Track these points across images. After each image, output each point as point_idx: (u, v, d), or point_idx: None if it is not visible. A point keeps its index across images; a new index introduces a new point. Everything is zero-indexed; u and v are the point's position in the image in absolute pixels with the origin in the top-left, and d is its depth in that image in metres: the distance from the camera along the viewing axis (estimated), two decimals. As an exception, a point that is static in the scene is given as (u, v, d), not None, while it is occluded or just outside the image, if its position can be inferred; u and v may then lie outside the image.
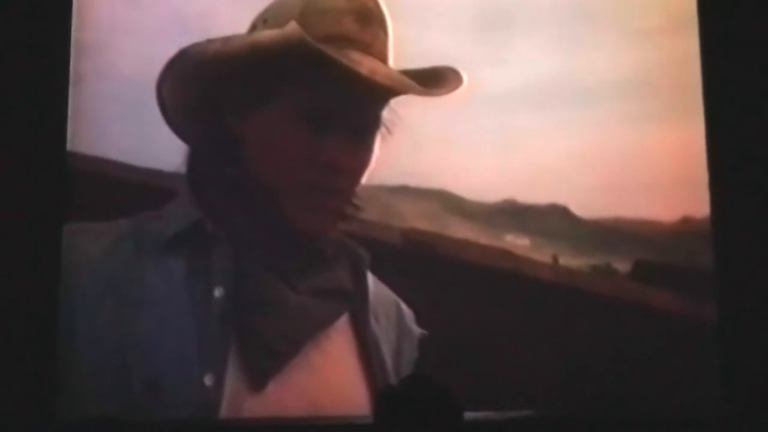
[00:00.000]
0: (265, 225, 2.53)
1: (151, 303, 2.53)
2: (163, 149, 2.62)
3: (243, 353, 2.48)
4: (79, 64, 2.80)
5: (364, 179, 2.60)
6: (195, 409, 2.48)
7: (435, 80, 2.56)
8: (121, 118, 2.73)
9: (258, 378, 2.48)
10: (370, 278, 2.62)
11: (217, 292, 2.50)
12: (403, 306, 2.65)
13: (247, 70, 2.48)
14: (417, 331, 2.66)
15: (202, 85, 2.51)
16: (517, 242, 2.80)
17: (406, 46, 2.63)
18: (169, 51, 2.56)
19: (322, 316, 2.53)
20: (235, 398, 2.48)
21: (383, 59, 2.54)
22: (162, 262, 2.53)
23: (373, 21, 2.51)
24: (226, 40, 2.50)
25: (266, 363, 2.49)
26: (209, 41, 2.51)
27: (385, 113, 2.56)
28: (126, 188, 2.70)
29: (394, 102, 2.57)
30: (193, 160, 2.56)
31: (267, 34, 2.47)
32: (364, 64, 2.44)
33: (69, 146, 2.75)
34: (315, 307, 2.51)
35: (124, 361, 2.53)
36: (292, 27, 2.41)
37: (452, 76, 2.58)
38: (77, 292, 2.60)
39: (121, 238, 2.57)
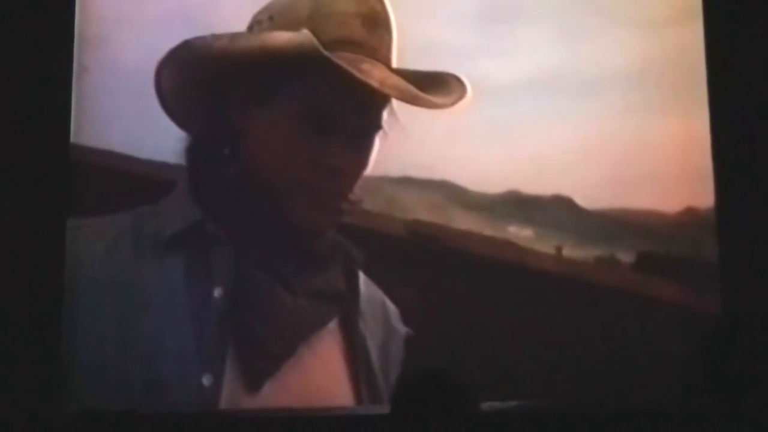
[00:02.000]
0: (263, 224, 2.53)
1: (151, 303, 2.54)
2: (166, 141, 2.61)
3: (240, 354, 2.49)
4: (82, 57, 2.79)
5: (368, 170, 2.60)
6: (193, 409, 2.49)
7: (439, 86, 2.56)
8: (124, 110, 2.73)
9: (254, 378, 2.50)
10: (362, 278, 2.62)
11: (217, 293, 2.50)
12: (389, 305, 2.66)
13: (252, 68, 2.48)
14: (403, 330, 2.66)
15: (205, 78, 2.51)
16: (521, 233, 2.79)
17: (410, 38, 2.63)
18: (172, 43, 2.57)
19: (316, 318, 2.55)
20: (232, 398, 2.49)
21: (388, 62, 2.55)
22: (161, 261, 2.53)
23: (380, 25, 2.52)
24: (233, 37, 2.50)
25: (263, 364, 2.50)
26: (215, 36, 2.50)
27: (386, 114, 2.56)
28: (129, 180, 2.70)
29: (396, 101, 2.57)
30: (192, 154, 2.55)
31: (279, 39, 2.47)
32: (373, 74, 2.45)
33: (73, 139, 2.75)
34: (310, 309, 2.53)
35: (125, 361, 2.54)
36: (306, 36, 2.42)
37: (456, 85, 2.58)
38: (79, 291, 2.62)
39: (121, 237, 2.57)
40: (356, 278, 2.61)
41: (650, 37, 2.86)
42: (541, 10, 2.86)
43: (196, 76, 2.51)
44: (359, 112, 2.51)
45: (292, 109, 2.50)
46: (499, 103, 2.77)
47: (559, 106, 2.80)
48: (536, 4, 2.86)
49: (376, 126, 2.54)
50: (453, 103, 2.54)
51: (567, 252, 2.80)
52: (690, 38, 2.88)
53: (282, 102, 2.50)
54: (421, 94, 2.49)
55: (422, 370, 2.02)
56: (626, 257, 2.82)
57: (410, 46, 2.63)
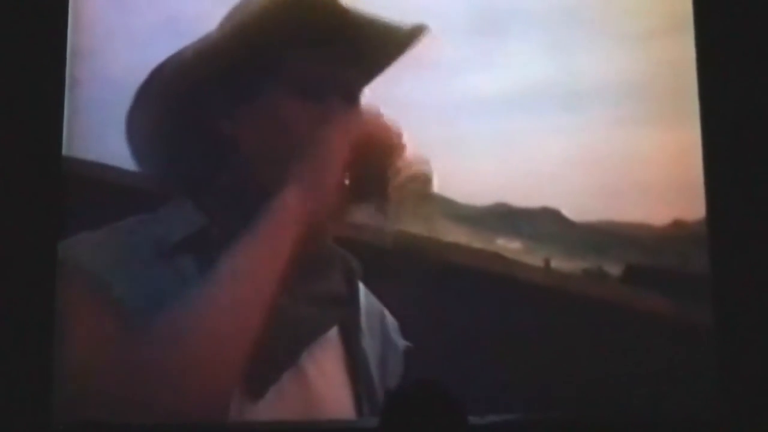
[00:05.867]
0: None
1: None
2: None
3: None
4: (74, 68, 2.80)
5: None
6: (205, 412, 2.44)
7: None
8: (116, 122, 2.72)
9: (256, 388, 2.47)
10: (361, 290, 2.61)
11: None
12: (388, 316, 2.64)
13: (232, 60, 2.45)
14: (402, 343, 2.64)
15: (186, 91, 2.49)
16: (509, 246, 2.80)
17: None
18: (164, 55, 2.56)
19: (317, 324, 2.51)
20: (237, 406, 2.46)
21: None
22: (168, 265, 2.50)
23: None
24: (203, 37, 2.49)
25: (264, 372, 2.47)
26: (184, 48, 2.50)
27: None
28: (122, 192, 2.70)
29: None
30: (185, 173, 2.54)
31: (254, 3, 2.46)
32: None
33: (65, 151, 2.76)
34: (310, 315, 2.49)
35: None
36: None
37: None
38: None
39: (120, 247, 2.54)
40: (356, 289, 2.60)
41: (640, 50, 2.87)
42: (531, 23, 2.86)
43: (176, 92, 2.49)
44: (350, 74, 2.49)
45: (280, 93, 2.47)
46: (488, 116, 2.77)
47: (548, 118, 2.80)
48: (525, 17, 2.86)
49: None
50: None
51: (555, 264, 2.80)
52: (680, 50, 2.88)
53: (267, 94, 2.48)
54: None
55: (411, 382, 2.02)
56: (614, 269, 2.82)
57: (402, 57, 2.63)
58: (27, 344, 2.68)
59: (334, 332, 2.55)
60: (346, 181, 2.37)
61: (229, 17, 2.52)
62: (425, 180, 2.39)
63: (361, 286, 2.61)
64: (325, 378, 2.53)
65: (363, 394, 2.55)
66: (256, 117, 2.49)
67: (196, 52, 2.48)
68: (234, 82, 2.48)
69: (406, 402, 1.84)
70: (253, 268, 2.35)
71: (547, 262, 2.80)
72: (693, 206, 2.81)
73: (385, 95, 2.61)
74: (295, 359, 2.48)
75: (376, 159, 2.37)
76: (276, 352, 2.46)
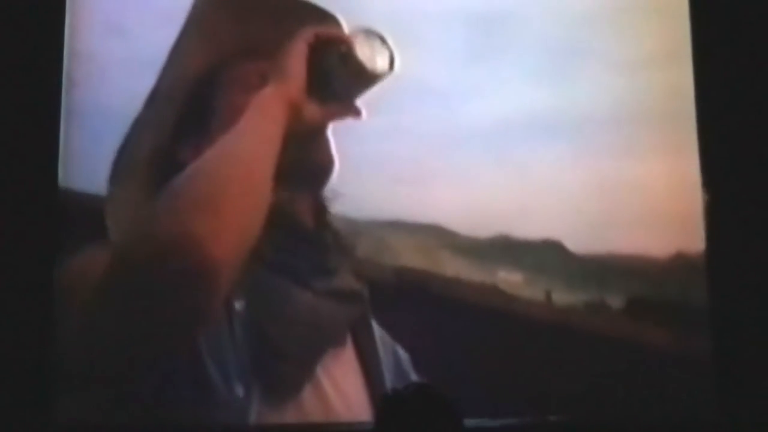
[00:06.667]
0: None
1: None
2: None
3: (263, 367, 2.40)
4: (70, 97, 2.78)
5: (357, 213, 2.58)
6: (228, 417, 2.39)
7: None
8: (112, 151, 2.70)
9: (279, 391, 2.42)
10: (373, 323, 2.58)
11: (238, 305, 2.45)
12: (400, 350, 2.61)
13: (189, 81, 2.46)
14: (415, 378, 2.62)
15: (155, 149, 2.47)
16: (510, 278, 2.79)
17: (394, 77, 2.61)
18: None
19: (338, 318, 2.48)
20: (259, 413, 2.43)
21: None
22: None
23: None
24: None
25: (288, 373, 2.41)
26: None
27: None
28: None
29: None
30: None
31: None
32: None
33: (61, 182, 2.74)
34: (332, 309, 2.46)
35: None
36: None
37: None
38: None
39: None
40: (368, 312, 2.56)
41: (640, 78, 2.86)
42: (527, 51, 2.85)
43: (146, 158, 2.47)
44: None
45: (232, 93, 2.45)
46: (485, 145, 2.77)
47: (548, 148, 2.80)
48: (523, 45, 2.86)
49: None
50: None
51: (556, 297, 2.79)
52: (679, 78, 2.88)
53: (223, 102, 2.45)
54: None
55: (406, 387, 2.01)
56: (616, 302, 2.82)
57: (396, 85, 2.61)
58: (27, 345, 2.66)
59: (349, 349, 2.51)
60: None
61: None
62: (379, 34, 2.37)
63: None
64: (344, 398, 2.50)
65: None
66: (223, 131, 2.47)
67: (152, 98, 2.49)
68: (193, 113, 2.46)
69: (402, 404, 1.84)
70: (253, 131, 2.25)
71: (548, 295, 2.79)
72: (694, 238, 2.81)
73: (382, 124, 2.61)
74: (315, 361, 2.43)
75: (331, 46, 2.32)
76: (296, 352, 2.41)
